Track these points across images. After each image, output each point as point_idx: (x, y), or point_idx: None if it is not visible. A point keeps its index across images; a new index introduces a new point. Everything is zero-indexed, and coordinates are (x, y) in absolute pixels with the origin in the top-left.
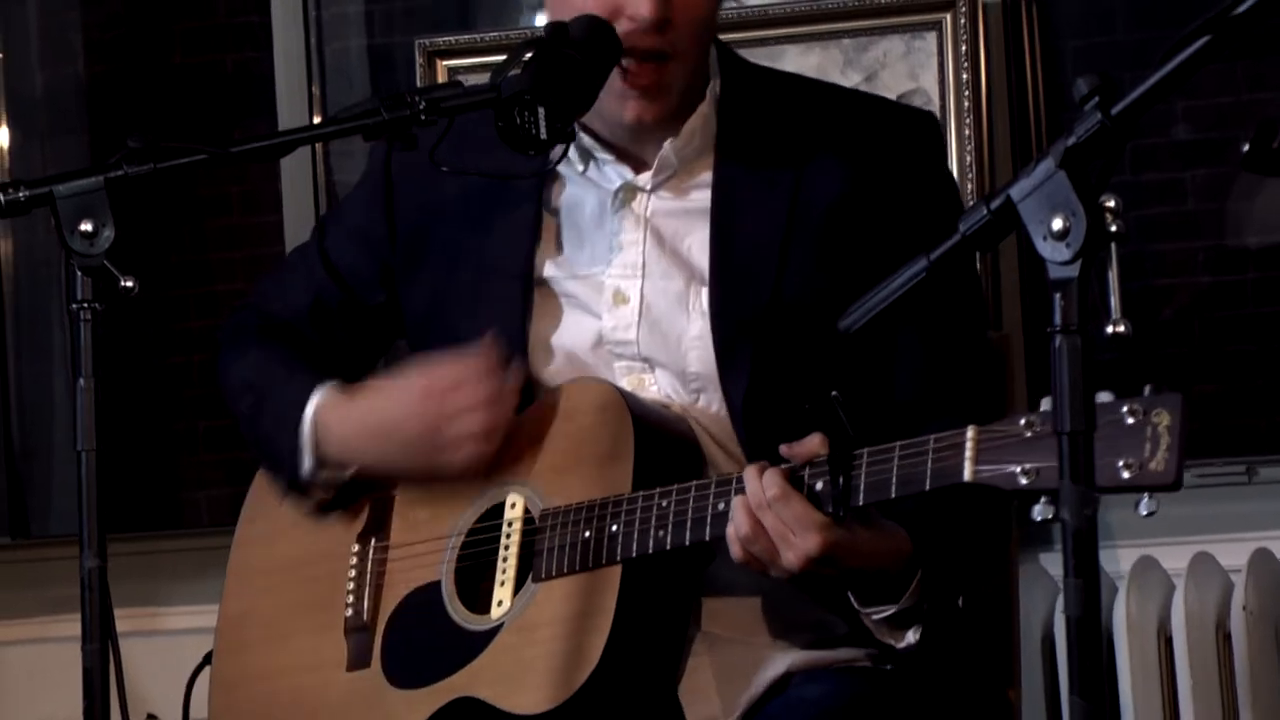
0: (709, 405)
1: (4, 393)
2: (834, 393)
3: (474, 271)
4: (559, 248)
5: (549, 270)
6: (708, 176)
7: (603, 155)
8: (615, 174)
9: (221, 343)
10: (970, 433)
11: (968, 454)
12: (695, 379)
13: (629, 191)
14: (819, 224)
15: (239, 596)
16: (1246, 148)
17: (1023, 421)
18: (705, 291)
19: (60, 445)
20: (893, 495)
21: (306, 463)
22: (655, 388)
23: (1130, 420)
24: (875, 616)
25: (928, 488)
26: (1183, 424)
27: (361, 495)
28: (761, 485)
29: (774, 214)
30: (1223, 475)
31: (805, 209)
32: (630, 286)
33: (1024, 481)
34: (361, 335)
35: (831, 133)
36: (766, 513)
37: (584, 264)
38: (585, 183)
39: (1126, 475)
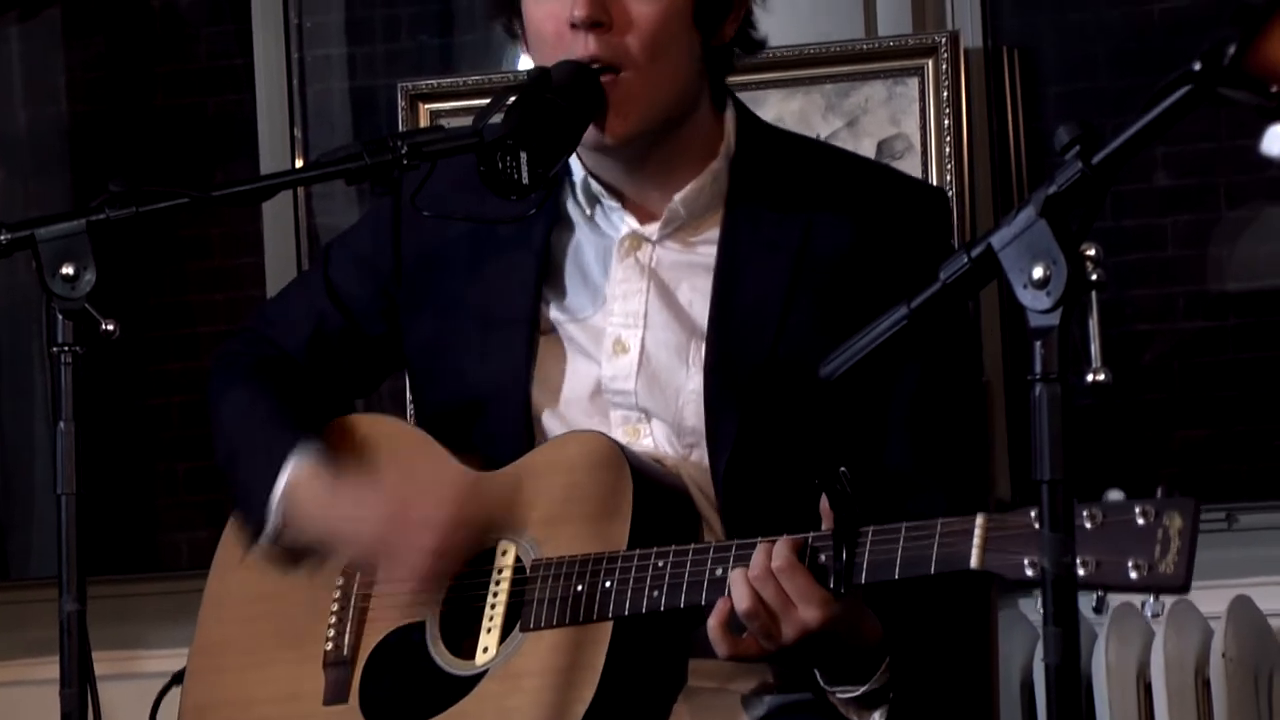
0: (700, 460)
1: None
2: (843, 468)
3: (479, 314)
4: (563, 292)
5: (553, 313)
6: (715, 232)
7: (610, 202)
8: (622, 222)
9: (213, 372)
10: (980, 520)
11: (976, 541)
12: (690, 433)
13: (635, 240)
14: (821, 288)
15: (217, 622)
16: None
17: (1032, 514)
18: (704, 347)
19: (40, 487)
20: (896, 576)
21: (270, 526)
22: (650, 440)
23: (1141, 521)
24: (841, 695)
25: (933, 571)
26: (1194, 528)
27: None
28: (769, 554)
29: (777, 275)
30: (1203, 522)
31: (808, 273)
32: (631, 336)
33: (1030, 573)
34: (360, 366)
35: (842, 200)
36: (769, 583)
37: (586, 310)
38: (592, 228)
39: (1135, 575)
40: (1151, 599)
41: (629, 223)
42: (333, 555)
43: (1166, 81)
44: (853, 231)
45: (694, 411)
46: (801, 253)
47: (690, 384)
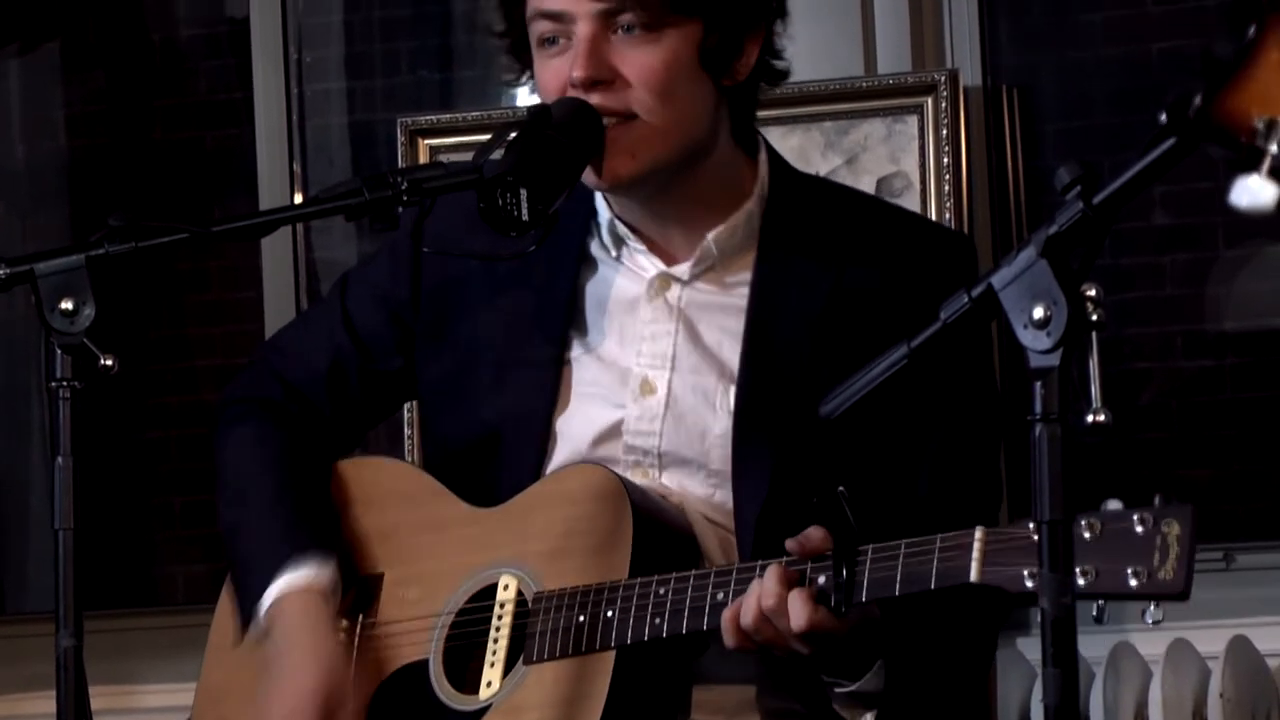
0: (724, 503)
1: None
2: (840, 488)
3: (499, 351)
4: (587, 332)
5: (576, 354)
6: (746, 274)
7: (635, 244)
8: (649, 263)
9: (225, 411)
10: (979, 534)
11: (975, 555)
12: (715, 476)
13: (664, 281)
14: (851, 334)
15: (220, 665)
16: (1164, 118)
17: (1030, 525)
18: (734, 390)
19: (36, 520)
20: (897, 593)
21: (256, 628)
22: (658, 483)
23: (1140, 529)
24: (838, 690)
25: (933, 587)
26: (1192, 534)
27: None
28: (759, 597)
29: (809, 320)
30: (1201, 562)
31: (839, 318)
32: (659, 377)
33: (1030, 584)
34: (375, 398)
35: (872, 246)
36: (764, 626)
37: (612, 351)
38: (619, 269)
39: (1134, 583)
40: (1152, 607)
41: (656, 264)
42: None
43: (1155, 133)
44: (883, 277)
45: (720, 455)
46: (833, 297)
47: (717, 427)
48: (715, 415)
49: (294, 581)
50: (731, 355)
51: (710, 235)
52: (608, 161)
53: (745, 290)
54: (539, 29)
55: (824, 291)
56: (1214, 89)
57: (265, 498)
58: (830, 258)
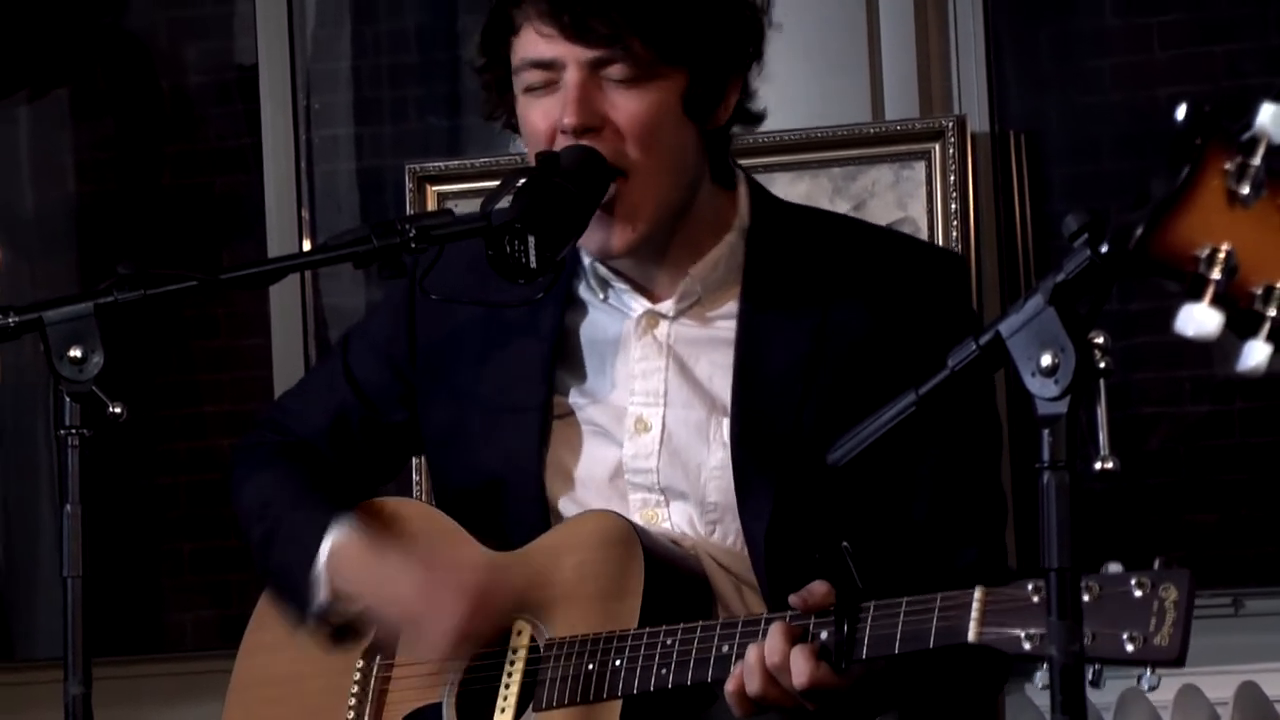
0: (725, 537)
1: None
2: (844, 544)
3: (490, 400)
4: (581, 375)
5: (571, 398)
6: (732, 306)
7: (619, 285)
8: (635, 302)
9: (235, 463)
10: (978, 594)
11: (974, 615)
12: (713, 509)
13: (651, 318)
14: (842, 359)
15: (241, 706)
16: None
17: (1030, 586)
18: (726, 422)
19: (45, 567)
20: (896, 651)
21: (320, 598)
22: (669, 524)
23: (1138, 593)
24: None
25: (931, 646)
26: (1189, 600)
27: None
28: (761, 656)
29: (797, 347)
30: (1209, 607)
31: (829, 344)
32: (652, 414)
33: (1027, 647)
34: (381, 452)
35: (858, 269)
36: (772, 688)
37: (606, 391)
38: (607, 309)
39: (1130, 648)
40: (1148, 671)
41: (643, 302)
42: (370, 626)
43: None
44: (871, 302)
45: (717, 487)
46: (821, 323)
47: (712, 460)
48: (709, 448)
49: (339, 539)
50: (723, 388)
51: (692, 271)
52: (616, 228)
53: (732, 323)
54: (527, 78)
55: (812, 318)
56: (1154, 224)
57: (291, 499)
58: (816, 284)
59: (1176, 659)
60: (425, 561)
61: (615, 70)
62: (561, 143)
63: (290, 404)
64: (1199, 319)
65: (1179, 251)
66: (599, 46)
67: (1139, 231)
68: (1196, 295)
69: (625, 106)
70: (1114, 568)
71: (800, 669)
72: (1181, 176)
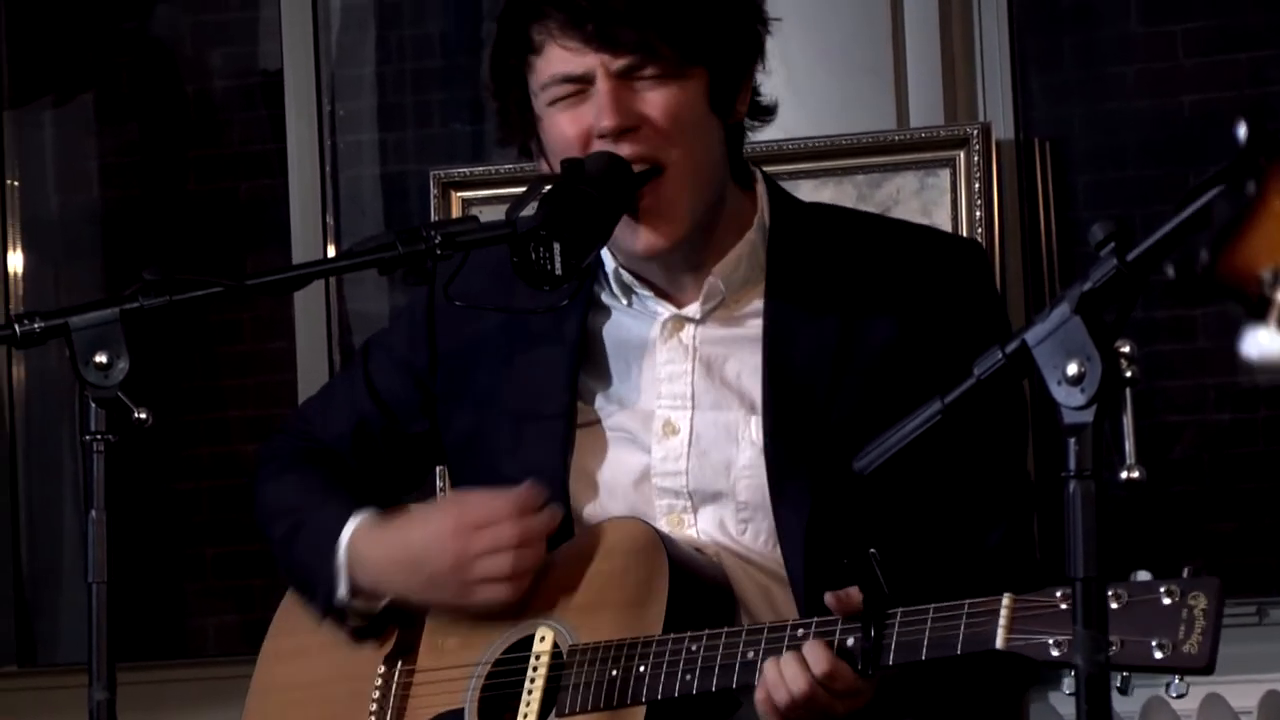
0: (756, 536)
1: (14, 519)
2: (872, 550)
3: (513, 407)
4: (607, 381)
5: (597, 403)
6: (758, 304)
7: (643, 291)
8: (660, 306)
9: (258, 466)
10: (1006, 600)
11: (1002, 622)
12: (744, 509)
13: (677, 322)
14: (870, 352)
15: (261, 711)
16: (1172, 273)
17: (1059, 593)
18: (755, 420)
19: (69, 572)
20: (923, 657)
21: (341, 590)
22: (694, 530)
23: (1166, 601)
24: None
25: (959, 652)
26: (1219, 608)
27: (396, 622)
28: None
29: (825, 343)
30: (1233, 616)
31: (857, 339)
32: (680, 417)
33: (1055, 654)
34: (403, 462)
35: (879, 262)
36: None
37: (632, 396)
38: (631, 314)
39: (1159, 655)
40: (1176, 679)
41: (668, 307)
42: (409, 608)
43: (1203, 179)
44: (894, 292)
45: (747, 486)
46: (846, 317)
47: (742, 459)
48: (739, 447)
49: (357, 530)
50: (752, 386)
51: (715, 271)
52: (654, 228)
53: (758, 321)
54: (556, 92)
55: (837, 312)
56: (1219, 247)
57: (314, 498)
58: (839, 278)
59: (1205, 667)
60: (452, 513)
61: (646, 72)
62: (597, 147)
63: (312, 412)
64: (1264, 342)
65: (1243, 273)
66: (626, 53)
67: (1204, 256)
68: (1261, 317)
69: (659, 103)
70: (1142, 576)
71: (817, 658)
72: (1247, 196)
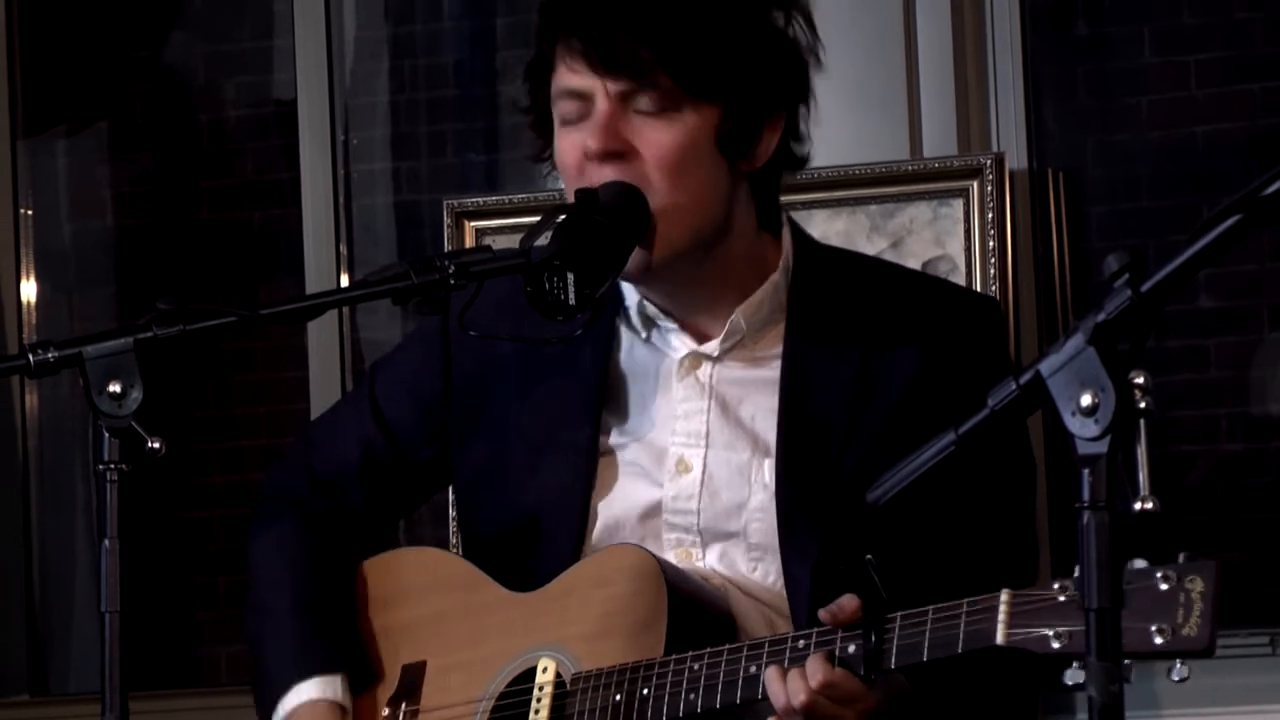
0: (766, 576)
1: (26, 548)
2: (868, 556)
3: (533, 437)
4: (623, 415)
5: (613, 436)
6: (777, 348)
7: (666, 324)
8: (679, 342)
9: (259, 502)
10: (1004, 596)
11: (1001, 617)
12: (755, 549)
13: (695, 359)
14: (885, 402)
15: None
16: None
17: (1056, 586)
18: (768, 463)
19: (81, 600)
20: (924, 659)
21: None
22: (702, 563)
23: (1164, 586)
24: None
25: (960, 650)
26: (1216, 590)
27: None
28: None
29: (843, 390)
30: (1247, 646)
31: (873, 388)
32: (694, 455)
33: (1056, 645)
34: (409, 488)
35: (900, 314)
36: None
37: (646, 430)
38: (650, 348)
39: (1159, 640)
40: (1178, 664)
41: (687, 342)
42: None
43: (1216, 211)
44: (913, 348)
45: (758, 529)
46: (864, 366)
47: (754, 501)
48: (751, 489)
49: (303, 695)
50: (766, 428)
51: (737, 311)
52: (636, 252)
53: (776, 364)
54: (563, 108)
55: (855, 360)
56: None
57: (283, 609)
58: (859, 327)
59: (1206, 649)
60: None
61: (642, 101)
62: (589, 171)
63: (318, 437)
64: None
65: None
66: (625, 79)
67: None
68: None
69: (651, 136)
70: (1139, 563)
71: (814, 669)
72: None
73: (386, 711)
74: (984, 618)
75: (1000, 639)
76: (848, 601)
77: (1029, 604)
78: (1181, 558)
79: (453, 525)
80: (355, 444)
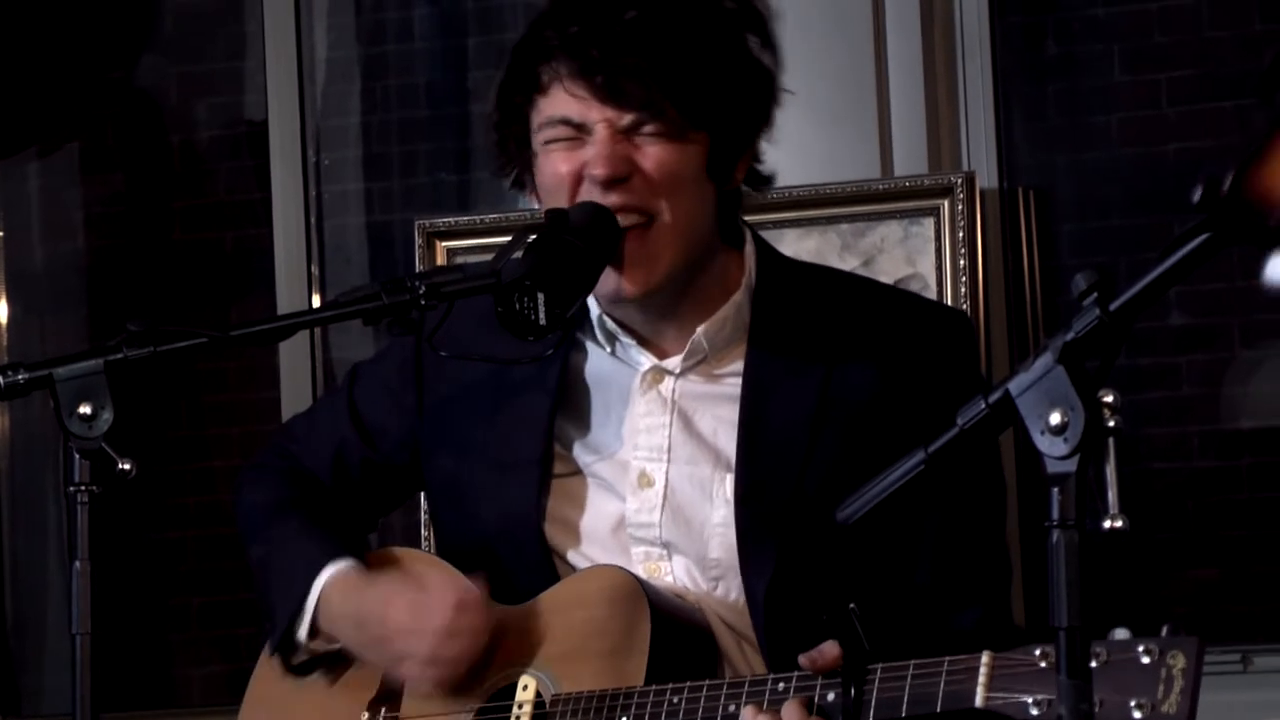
0: (727, 594)
1: None
2: (851, 605)
3: (492, 454)
4: (585, 428)
5: (575, 450)
6: (738, 365)
7: (626, 340)
8: (642, 356)
9: (243, 480)
10: (985, 658)
11: (981, 679)
12: (715, 566)
13: (657, 374)
14: (847, 419)
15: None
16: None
17: (1038, 651)
18: (730, 478)
19: (53, 622)
20: (903, 714)
21: (302, 631)
22: (671, 577)
23: (1145, 660)
24: None
25: (939, 709)
26: (1198, 667)
27: (342, 665)
28: None
29: (803, 406)
30: (1218, 664)
31: (834, 403)
32: (656, 469)
33: (1035, 713)
34: (380, 491)
35: (865, 329)
36: None
37: (609, 445)
38: (613, 363)
39: (1138, 716)
40: None
41: (649, 357)
42: (355, 662)
43: (1186, 229)
44: (876, 360)
45: (719, 544)
46: (826, 382)
47: (715, 516)
48: (713, 504)
49: (340, 566)
50: (728, 444)
51: (699, 330)
52: (630, 273)
53: (738, 380)
54: (553, 133)
55: (817, 377)
56: (1246, 163)
57: (291, 528)
58: (822, 342)
59: None
60: (418, 582)
61: (645, 129)
62: (587, 191)
63: (298, 431)
64: None
65: (1267, 196)
66: (631, 110)
67: (1229, 177)
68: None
69: (654, 156)
70: (1121, 633)
71: (791, 714)
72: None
73: (366, 715)
74: (964, 678)
75: (979, 702)
76: (829, 649)
77: (1009, 668)
78: (1165, 630)
79: (424, 544)
80: (331, 442)
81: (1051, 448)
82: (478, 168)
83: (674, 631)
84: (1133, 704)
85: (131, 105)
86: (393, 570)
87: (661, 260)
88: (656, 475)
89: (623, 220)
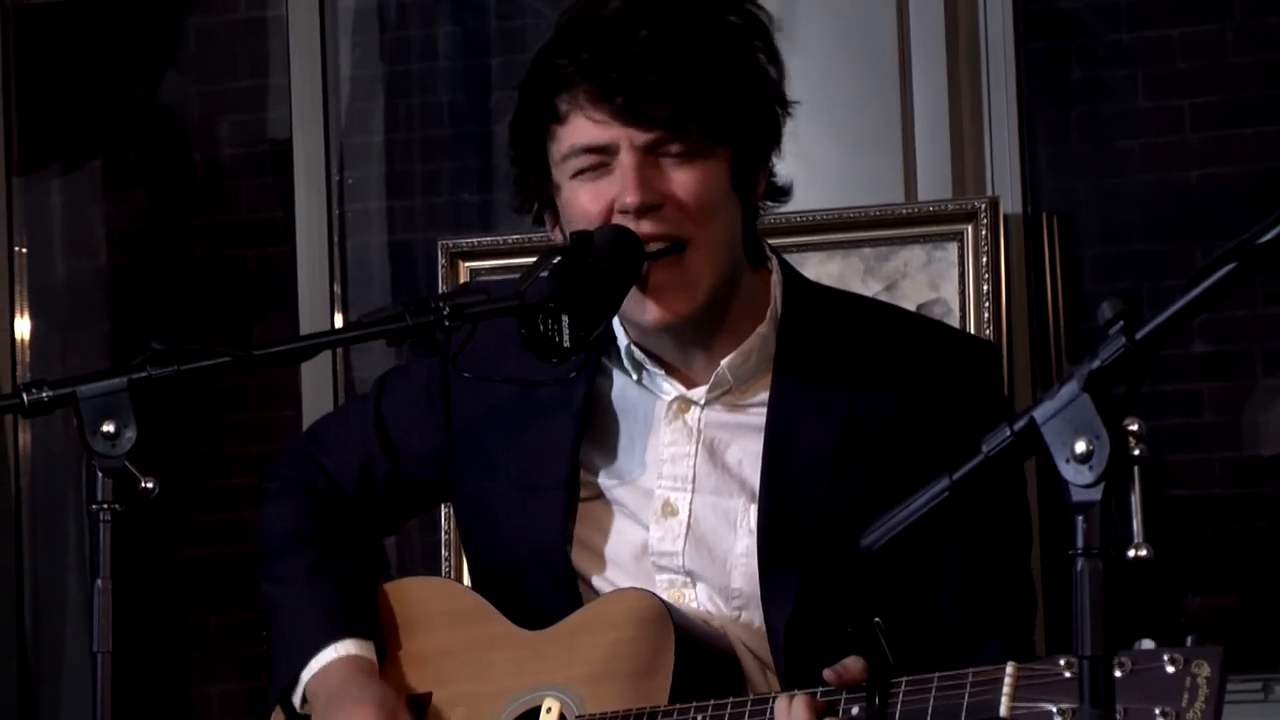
0: (750, 622)
1: (18, 587)
2: (877, 619)
3: (517, 476)
4: (611, 455)
5: (600, 476)
6: (764, 395)
7: (653, 369)
8: (668, 385)
9: (268, 487)
10: (1010, 669)
11: (1006, 690)
12: (737, 595)
13: (683, 404)
14: (872, 450)
15: None
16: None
17: (1062, 661)
18: (754, 509)
19: (72, 639)
20: None
21: (296, 700)
22: (695, 603)
23: (1170, 669)
24: None
25: None
26: (1222, 676)
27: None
28: (790, 717)
29: (828, 437)
30: (1239, 692)
31: (859, 434)
32: (680, 499)
33: None
34: (404, 503)
35: (891, 359)
36: None
37: (634, 472)
38: (639, 390)
39: None
40: None
41: (676, 386)
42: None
43: (1212, 259)
44: (902, 390)
45: (742, 574)
46: (851, 413)
47: (739, 546)
48: (737, 535)
49: (340, 652)
50: (752, 474)
51: (724, 363)
52: (667, 301)
53: (763, 410)
54: (577, 163)
55: (842, 408)
56: None
57: (301, 575)
58: (848, 371)
59: None
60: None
61: (670, 149)
62: (619, 222)
63: (327, 439)
64: None
65: None
66: (654, 129)
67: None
68: None
69: (684, 180)
70: (1147, 644)
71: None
72: None
73: None
74: (988, 689)
75: (1004, 711)
76: (853, 663)
77: (1034, 678)
78: (1189, 640)
79: (444, 567)
80: (357, 452)
81: (1076, 476)
82: (500, 188)
83: (698, 654)
84: (1157, 712)
85: (154, 122)
86: (351, 684)
87: (698, 285)
88: (680, 505)
89: (653, 248)
